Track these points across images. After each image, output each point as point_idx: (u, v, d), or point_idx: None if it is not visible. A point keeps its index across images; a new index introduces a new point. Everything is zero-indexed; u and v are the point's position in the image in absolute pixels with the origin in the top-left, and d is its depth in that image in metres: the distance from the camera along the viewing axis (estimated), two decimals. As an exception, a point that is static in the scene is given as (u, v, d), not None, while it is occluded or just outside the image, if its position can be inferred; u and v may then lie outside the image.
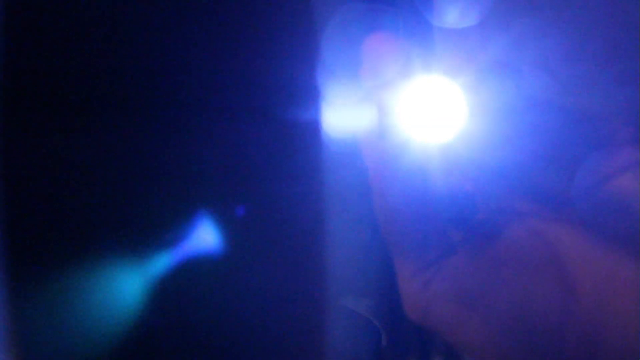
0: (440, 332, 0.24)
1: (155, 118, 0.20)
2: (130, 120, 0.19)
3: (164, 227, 0.21)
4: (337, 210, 0.25)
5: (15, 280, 0.18)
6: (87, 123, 0.19)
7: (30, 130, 0.18)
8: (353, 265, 0.33)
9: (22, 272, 0.19)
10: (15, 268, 0.18)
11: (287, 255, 0.23)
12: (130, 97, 0.19)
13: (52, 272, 0.19)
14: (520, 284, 0.24)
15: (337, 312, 0.34)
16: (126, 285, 0.20)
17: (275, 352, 0.24)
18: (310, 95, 0.23)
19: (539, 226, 0.24)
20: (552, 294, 0.23)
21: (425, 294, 0.25)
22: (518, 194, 0.24)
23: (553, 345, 0.22)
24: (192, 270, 0.22)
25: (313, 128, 0.23)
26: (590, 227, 0.23)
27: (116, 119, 0.19)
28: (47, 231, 0.19)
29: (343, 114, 0.24)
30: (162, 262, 0.21)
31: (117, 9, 0.20)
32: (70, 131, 0.18)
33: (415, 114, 0.23)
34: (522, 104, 0.24)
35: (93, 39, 0.19)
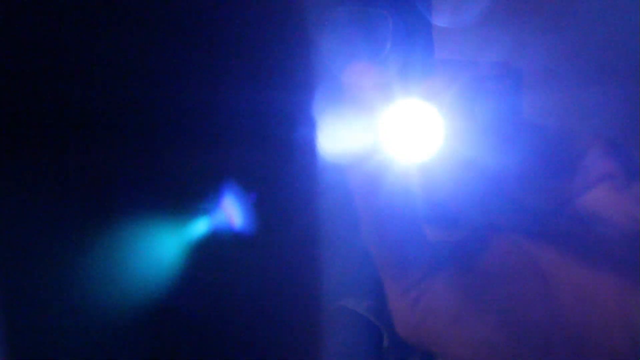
0: (432, 348, 0.24)
1: (157, 128, 0.20)
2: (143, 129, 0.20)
3: (173, 215, 0.21)
4: (338, 213, 0.25)
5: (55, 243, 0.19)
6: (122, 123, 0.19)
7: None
8: (354, 266, 0.33)
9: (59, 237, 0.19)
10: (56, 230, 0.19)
11: (288, 257, 0.23)
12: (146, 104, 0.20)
13: (88, 237, 0.19)
14: (507, 297, 0.24)
15: (339, 313, 0.34)
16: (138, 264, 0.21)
17: (276, 353, 0.24)
18: (301, 115, 0.23)
19: (521, 240, 0.24)
20: (538, 303, 0.24)
21: (415, 311, 0.25)
22: (499, 210, 0.25)
23: (542, 354, 0.22)
24: (196, 264, 0.22)
25: (306, 143, 0.23)
26: (570, 238, 0.23)
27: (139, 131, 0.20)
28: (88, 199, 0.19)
29: (330, 134, 0.24)
30: (170, 249, 0.21)
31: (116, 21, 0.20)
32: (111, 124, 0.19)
33: (395, 136, 0.23)
34: (498, 123, 0.24)
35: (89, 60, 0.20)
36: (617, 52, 0.51)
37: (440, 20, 0.48)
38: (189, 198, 0.22)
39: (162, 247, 0.21)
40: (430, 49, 0.44)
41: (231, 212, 0.22)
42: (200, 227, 0.22)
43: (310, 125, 0.24)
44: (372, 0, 0.36)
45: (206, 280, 0.22)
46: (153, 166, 0.20)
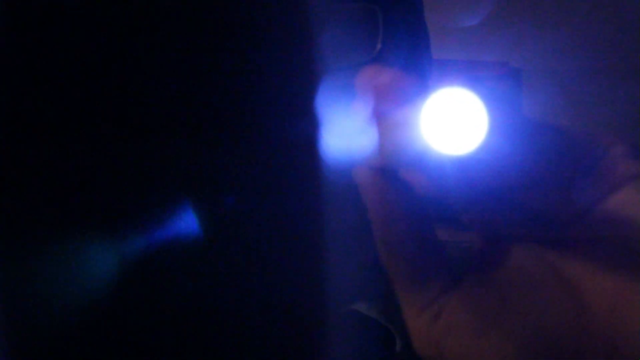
0: None
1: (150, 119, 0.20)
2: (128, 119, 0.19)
3: (152, 210, 0.21)
4: (349, 215, 0.25)
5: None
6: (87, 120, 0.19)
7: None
8: (365, 270, 0.33)
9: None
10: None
11: (297, 259, 0.23)
12: (125, 97, 0.19)
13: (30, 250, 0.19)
14: (532, 308, 0.22)
15: (350, 317, 0.34)
16: (104, 265, 0.20)
17: (286, 356, 0.23)
18: (304, 114, 0.23)
19: (543, 248, 0.24)
20: (566, 313, 0.22)
21: (436, 327, 0.23)
22: (518, 217, 0.24)
23: None
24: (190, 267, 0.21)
25: (313, 143, 0.23)
26: (595, 244, 0.23)
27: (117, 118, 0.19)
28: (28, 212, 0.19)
29: (342, 137, 0.23)
30: (146, 246, 0.21)
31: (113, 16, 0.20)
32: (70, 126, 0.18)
33: (434, 127, 0.22)
34: (517, 126, 0.23)
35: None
36: (617, 52, 0.52)
37: (440, 20, 0.47)
38: (177, 195, 0.21)
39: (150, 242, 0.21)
40: (427, 45, 0.41)
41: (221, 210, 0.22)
42: (189, 224, 0.22)
43: (315, 124, 0.23)
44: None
45: (209, 281, 0.22)
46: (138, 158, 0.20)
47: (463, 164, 0.21)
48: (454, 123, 0.21)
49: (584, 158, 0.23)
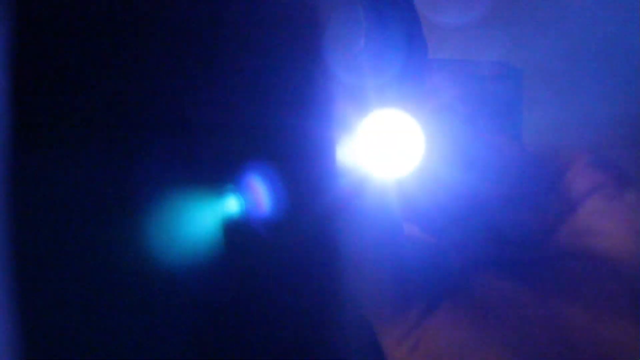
0: None
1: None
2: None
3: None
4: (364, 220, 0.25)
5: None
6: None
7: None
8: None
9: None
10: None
11: (315, 266, 0.23)
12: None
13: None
14: (512, 333, 0.22)
15: (360, 321, 0.34)
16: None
17: (302, 355, 0.23)
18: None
19: (518, 268, 0.23)
20: (546, 337, 0.22)
21: (415, 359, 0.24)
22: (490, 239, 0.24)
23: None
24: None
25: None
26: (570, 259, 0.22)
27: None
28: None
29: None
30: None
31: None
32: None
33: (372, 149, 0.21)
34: (476, 143, 0.23)
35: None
36: (617, 52, 0.51)
37: (440, 19, 0.47)
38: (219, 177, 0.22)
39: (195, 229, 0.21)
40: (422, 41, 0.40)
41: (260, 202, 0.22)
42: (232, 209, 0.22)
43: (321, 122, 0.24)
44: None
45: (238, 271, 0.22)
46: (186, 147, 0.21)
47: (402, 187, 0.21)
48: (390, 146, 0.21)
49: (547, 173, 0.23)
